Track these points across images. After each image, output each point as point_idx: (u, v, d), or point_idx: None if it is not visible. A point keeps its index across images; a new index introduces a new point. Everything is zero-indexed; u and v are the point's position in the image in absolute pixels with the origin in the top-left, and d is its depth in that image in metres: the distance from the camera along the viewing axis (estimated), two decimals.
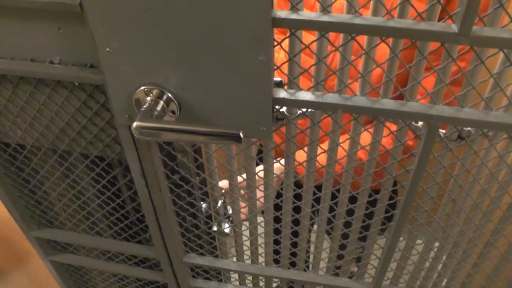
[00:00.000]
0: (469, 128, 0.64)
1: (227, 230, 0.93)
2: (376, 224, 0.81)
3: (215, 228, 0.93)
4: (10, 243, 1.83)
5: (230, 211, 0.90)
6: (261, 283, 1.04)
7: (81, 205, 0.95)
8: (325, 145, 0.71)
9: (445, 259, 0.88)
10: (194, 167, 0.78)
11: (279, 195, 0.83)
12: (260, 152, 0.72)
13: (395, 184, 0.75)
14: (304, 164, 0.73)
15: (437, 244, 0.86)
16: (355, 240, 0.86)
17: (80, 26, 0.59)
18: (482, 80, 0.56)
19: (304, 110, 0.64)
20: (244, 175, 0.79)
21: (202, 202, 0.88)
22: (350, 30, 0.50)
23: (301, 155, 0.75)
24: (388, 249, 0.81)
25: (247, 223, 0.90)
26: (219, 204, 0.89)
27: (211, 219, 0.92)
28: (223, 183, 0.90)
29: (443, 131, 0.65)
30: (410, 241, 0.84)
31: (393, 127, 0.65)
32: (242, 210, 0.88)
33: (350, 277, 0.96)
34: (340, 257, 0.93)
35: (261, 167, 0.77)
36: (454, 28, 0.47)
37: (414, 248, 0.86)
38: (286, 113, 0.65)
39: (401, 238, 0.79)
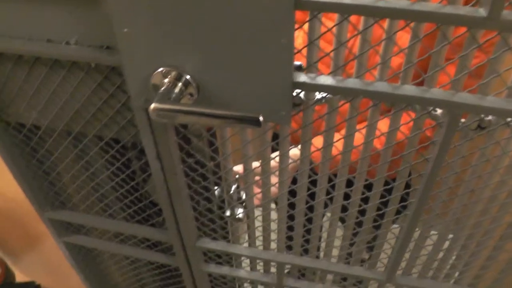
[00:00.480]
0: (490, 118, 0.62)
1: (240, 216, 0.93)
2: (391, 213, 0.80)
3: (228, 213, 0.93)
4: (24, 225, 1.85)
5: (244, 197, 0.90)
6: (273, 269, 1.04)
7: (95, 187, 0.95)
8: (341, 133, 0.70)
9: (459, 250, 0.87)
10: (210, 151, 0.77)
11: (294, 181, 0.82)
12: (275, 137, 0.71)
13: (410, 174, 0.74)
14: (320, 151, 0.73)
15: (451, 235, 0.85)
16: (369, 228, 0.86)
17: (97, 6, 0.59)
18: (507, 68, 0.55)
19: (323, 95, 0.63)
20: (259, 161, 0.78)
21: (216, 187, 0.88)
22: (374, 13, 0.49)
23: (317, 142, 0.74)
24: (403, 238, 0.80)
25: (260, 209, 0.89)
26: (232, 189, 0.89)
27: (225, 204, 0.91)
28: (238, 168, 0.90)
29: (463, 120, 0.64)
30: (425, 231, 0.83)
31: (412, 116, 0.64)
32: (256, 196, 0.88)
33: (361, 265, 0.95)
34: (353, 244, 0.92)
35: (276, 153, 0.76)
36: (482, 12, 0.46)
37: (429, 238, 0.85)
38: (304, 99, 0.64)
39: (416, 228, 0.79)
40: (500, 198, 0.74)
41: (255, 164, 0.80)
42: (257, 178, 0.83)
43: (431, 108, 0.60)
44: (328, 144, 0.71)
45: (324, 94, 0.63)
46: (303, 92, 0.64)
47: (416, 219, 0.75)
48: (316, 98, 0.63)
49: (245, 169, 0.80)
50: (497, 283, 0.90)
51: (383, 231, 0.85)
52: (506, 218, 0.77)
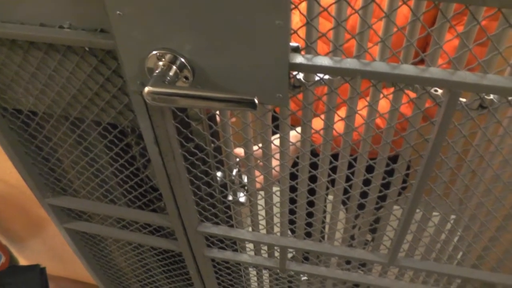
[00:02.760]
0: (491, 97, 0.61)
1: (242, 200, 0.93)
2: (392, 194, 0.80)
3: (230, 198, 0.93)
4: (27, 211, 1.85)
5: (245, 180, 0.89)
6: (276, 253, 1.04)
7: (95, 172, 0.95)
8: (342, 112, 0.69)
9: (462, 231, 0.86)
10: (208, 134, 0.77)
11: (295, 164, 0.81)
12: (275, 119, 0.70)
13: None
14: (321, 132, 0.72)
15: (453, 216, 0.84)
16: (371, 210, 0.85)
17: None
18: (509, 45, 0.54)
19: (321, 76, 0.62)
20: (260, 145, 0.77)
21: (216, 171, 0.87)
22: None
23: (317, 123, 0.73)
24: (405, 220, 0.79)
25: (262, 192, 0.89)
26: (234, 173, 0.88)
27: (226, 188, 0.91)
28: (239, 151, 0.89)
29: (464, 99, 0.63)
30: (427, 212, 0.82)
31: (411, 95, 0.63)
32: (257, 179, 0.87)
33: (364, 248, 0.95)
34: (355, 227, 0.92)
35: (277, 135, 0.75)
36: None
37: (431, 220, 0.84)
38: (303, 80, 0.63)
39: (418, 210, 0.78)
40: (503, 177, 0.73)
41: (255, 148, 0.79)
42: (258, 161, 0.82)
43: (431, 88, 0.59)
44: (328, 126, 0.70)
45: (323, 76, 0.62)
46: (302, 74, 0.63)
47: (417, 200, 0.74)
48: (315, 79, 0.63)
49: (245, 152, 0.80)
50: (500, 263, 0.89)
51: (385, 212, 0.84)
52: (509, 198, 0.77)
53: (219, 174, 0.89)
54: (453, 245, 0.90)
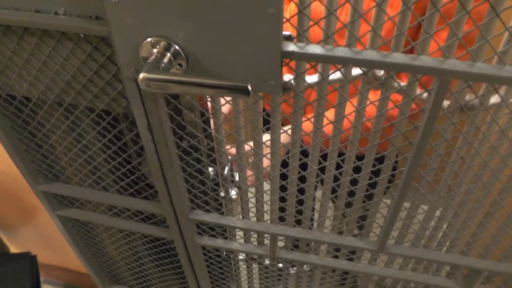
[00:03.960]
0: (472, 102, 0.63)
1: (234, 197, 0.94)
2: (382, 182, 0.81)
3: (222, 194, 0.94)
4: (18, 198, 1.85)
5: (237, 178, 0.90)
6: (266, 241, 1.05)
7: (87, 159, 0.95)
8: (331, 113, 0.71)
9: (451, 218, 0.88)
10: (200, 122, 0.77)
11: (285, 162, 0.83)
12: (266, 122, 0.73)
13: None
14: (311, 130, 0.73)
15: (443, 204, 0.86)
16: (360, 198, 0.86)
17: None
18: (496, 34, 0.55)
19: (311, 82, 0.63)
20: (251, 143, 0.79)
21: (209, 167, 0.88)
22: None
23: (307, 126, 0.75)
24: (394, 208, 0.80)
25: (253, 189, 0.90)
26: (225, 171, 0.89)
27: (218, 176, 0.92)
28: (231, 150, 0.90)
29: (448, 102, 0.64)
30: (416, 199, 0.84)
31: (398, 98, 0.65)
32: (248, 178, 0.89)
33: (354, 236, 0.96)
34: (345, 215, 0.93)
35: (268, 136, 0.76)
36: None
37: (420, 207, 0.86)
38: (294, 84, 0.64)
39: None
40: (490, 165, 0.74)
41: (247, 147, 0.81)
42: (250, 160, 0.84)
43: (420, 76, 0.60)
44: (318, 128, 0.71)
45: (314, 80, 0.64)
46: (292, 80, 0.64)
47: (406, 188, 0.76)
48: (306, 83, 0.64)
49: (237, 147, 0.81)
50: (487, 250, 0.91)
51: (375, 200, 0.85)
52: (497, 184, 0.78)
53: (211, 170, 0.90)
54: (442, 232, 0.92)
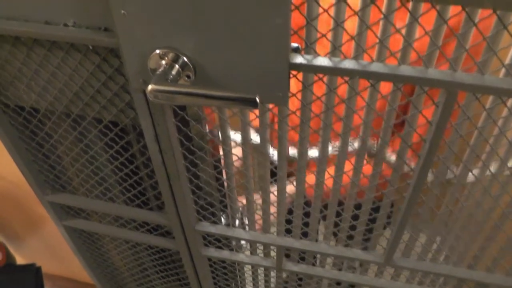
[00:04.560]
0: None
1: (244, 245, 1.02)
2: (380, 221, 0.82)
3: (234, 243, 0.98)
4: (25, 208, 1.86)
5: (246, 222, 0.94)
6: (272, 253, 1.04)
7: (94, 170, 0.95)
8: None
9: (453, 240, 0.88)
10: (215, 173, 0.78)
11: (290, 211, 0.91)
12: (274, 174, 0.79)
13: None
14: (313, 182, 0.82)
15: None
16: (361, 235, 0.89)
17: None
18: (503, 47, 0.55)
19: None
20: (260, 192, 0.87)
21: (221, 213, 0.91)
22: None
23: (311, 178, 0.81)
24: (400, 222, 0.80)
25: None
26: (238, 216, 0.93)
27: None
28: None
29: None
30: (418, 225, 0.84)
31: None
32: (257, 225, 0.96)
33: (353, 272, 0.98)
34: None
35: (275, 187, 0.84)
36: None
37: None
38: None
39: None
40: (499, 177, 0.74)
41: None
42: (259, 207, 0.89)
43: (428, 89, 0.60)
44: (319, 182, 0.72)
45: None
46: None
47: (413, 203, 0.75)
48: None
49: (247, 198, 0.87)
50: (495, 262, 0.90)
51: (375, 233, 0.87)
52: (504, 198, 0.78)
53: (223, 218, 0.93)
54: (449, 246, 0.91)
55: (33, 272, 2.02)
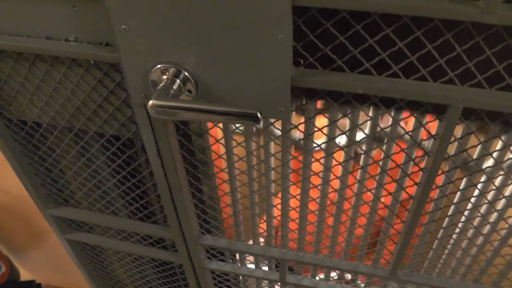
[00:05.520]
0: None
1: None
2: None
3: None
4: (28, 221, 1.86)
5: None
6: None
7: (97, 184, 0.95)
8: None
9: (464, 246, 0.87)
10: (210, 148, 0.77)
11: None
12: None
13: None
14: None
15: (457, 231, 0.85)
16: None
17: (95, 3, 0.59)
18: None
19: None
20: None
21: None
22: (373, 7, 0.48)
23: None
24: (405, 233, 0.80)
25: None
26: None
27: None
28: None
29: None
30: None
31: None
32: None
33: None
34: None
35: None
36: (480, 4, 0.45)
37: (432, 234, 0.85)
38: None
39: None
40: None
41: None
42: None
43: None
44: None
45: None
46: None
47: (418, 213, 0.75)
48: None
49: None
50: (501, 277, 0.89)
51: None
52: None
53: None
54: (455, 260, 0.90)
55: None
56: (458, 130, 0.64)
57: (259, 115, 0.53)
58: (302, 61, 0.58)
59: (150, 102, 0.55)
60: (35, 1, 0.62)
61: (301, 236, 0.91)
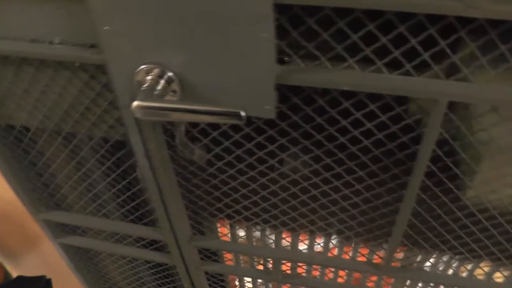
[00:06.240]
0: None
1: None
2: None
3: None
4: (21, 226, 1.85)
5: None
6: (270, 265, 1.04)
7: (88, 187, 0.95)
8: None
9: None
10: (197, 148, 0.77)
11: None
12: None
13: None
14: None
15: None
16: None
17: (79, 4, 0.58)
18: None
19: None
20: None
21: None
22: (356, 3, 0.49)
23: None
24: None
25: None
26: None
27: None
28: None
29: None
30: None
31: None
32: None
33: None
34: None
35: None
36: None
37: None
38: None
39: None
40: None
41: None
42: None
43: None
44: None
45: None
46: None
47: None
48: None
49: None
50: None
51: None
52: None
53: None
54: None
55: (43, 283, 2.01)
56: None
57: (242, 113, 0.53)
58: (287, 58, 0.58)
59: (134, 103, 0.55)
60: (19, 3, 0.61)
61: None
